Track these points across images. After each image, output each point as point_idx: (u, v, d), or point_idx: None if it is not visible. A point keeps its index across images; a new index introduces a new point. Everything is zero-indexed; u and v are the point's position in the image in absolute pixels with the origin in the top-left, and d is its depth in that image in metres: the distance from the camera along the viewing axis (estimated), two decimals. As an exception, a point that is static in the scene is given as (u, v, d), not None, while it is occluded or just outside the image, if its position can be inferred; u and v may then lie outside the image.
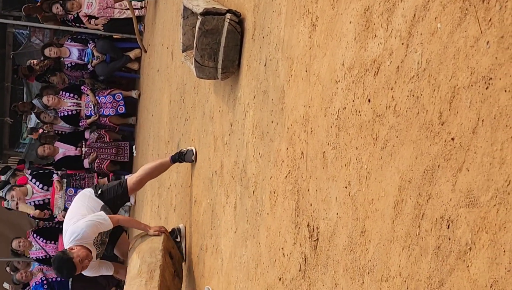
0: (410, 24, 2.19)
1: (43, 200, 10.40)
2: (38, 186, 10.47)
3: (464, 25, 1.88)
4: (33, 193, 10.42)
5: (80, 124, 11.09)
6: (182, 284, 5.59)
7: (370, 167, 2.39)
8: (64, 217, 10.22)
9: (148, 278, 4.98)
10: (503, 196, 1.64)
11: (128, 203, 10.84)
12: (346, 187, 2.57)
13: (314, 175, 2.91)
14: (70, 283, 10.73)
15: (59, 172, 10.79)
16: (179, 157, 5.80)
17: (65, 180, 10.55)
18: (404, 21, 2.24)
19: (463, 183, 1.81)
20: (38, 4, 11.35)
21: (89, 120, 10.93)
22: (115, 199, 5.74)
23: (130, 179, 5.90)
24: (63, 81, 11.48)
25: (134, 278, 5.03)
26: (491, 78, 1.73)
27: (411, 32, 2.18)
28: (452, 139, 1.88)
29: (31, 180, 10.50)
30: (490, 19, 1.75)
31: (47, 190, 10.48)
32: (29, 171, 10.87)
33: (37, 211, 10.35)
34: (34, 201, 10.39)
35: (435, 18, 2.04)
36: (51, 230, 10.72)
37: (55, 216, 10.45)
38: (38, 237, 10.55)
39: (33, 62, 11.61)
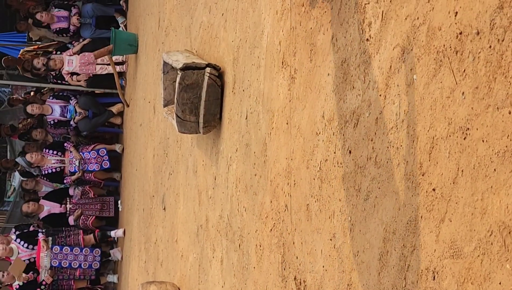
0: (387, 75, 2.21)
1: (28, 259, 10.27)
2: (23, 246, 10.36)
3: (439, 76, 1.89)
4: (18, 253, 10.30)
5: (65, 181, 11.05)
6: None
7: (354, 219, 2.39)
8: (51, 278, 10.12)
9: None
10: (486, 247, 1.63)
11: (114, 259, 10.75)
12: (331, 240, 2.56)
13: (299, 228, 2.90)
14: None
15: (44, 230, 10.71)
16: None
17: (50, 238, 10.45)
18: (380, 73, 2.25)
19: (446, 233, 1.80)
20: (19, 55, 11.38)
21: (73, 177, 10.89)
22: None
23: None
24: (46, 136, 11.48)
25: None
26: (468, 129, 1.74)
27: (388, 84, 2.20)
28: (433, 189, 1.89)
29: (15, 240, 10.39)
30: (464, 70, 1.77)
31: (32, 249, 10.37)
32: (13, 230, 10.78)
33: (23, 275, 10.21)
34: (20, 261, 10.27)
35: (411, 69, 2.06)
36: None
37: (42, 280, 10.29)
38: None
39: (13, 98, 11.68)
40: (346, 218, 2.44)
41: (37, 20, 11.39)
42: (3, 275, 10.25)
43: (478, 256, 1.67)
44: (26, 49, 11.57)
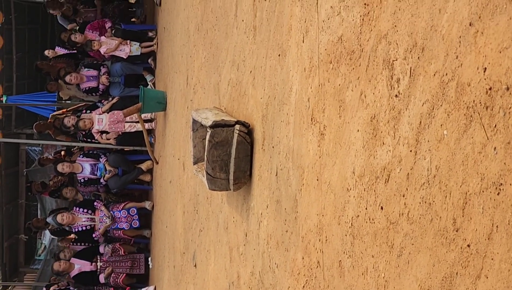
0: (417, 131, 2.21)
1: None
2: (55, 304, 10.39)
3: (470, 132, 1.90)
4: (49, 311, 10.33)
5: (94, 235, 11.11)
6: None
7: (387, 276, 2.37)
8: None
9: None
10: (525, 303, 1.62)
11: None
12: (365, 297, 2.54)
13: (331, 284, 2.88)
14: None
15: (75, 289, 10.74)
16: None
17: (82, 296, 10.48)
18: (410, 129, 2.26)
19: (483, 290, 1.79)
20: (49, 120, 11.57)
21: (101, 230, 10.93)
22: None
23: None
24: (76, 195, 11.58)
25: None
26: (501, 184, 1.73)
27: (418, 139, 2.20)
28: (468, 245, 1.87)
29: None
30: (495, 125, 1.77)
31: (64, 308, 10.40)
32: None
33: None
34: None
35: (441, 125, 2.06)
36: None
37: None
38: None
39: (44, 157, 11.91)
40: (380, 275, 2.43)
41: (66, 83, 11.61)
42: None
43: (516, 313, 1.65)
44: (54, 113, 11.78)
